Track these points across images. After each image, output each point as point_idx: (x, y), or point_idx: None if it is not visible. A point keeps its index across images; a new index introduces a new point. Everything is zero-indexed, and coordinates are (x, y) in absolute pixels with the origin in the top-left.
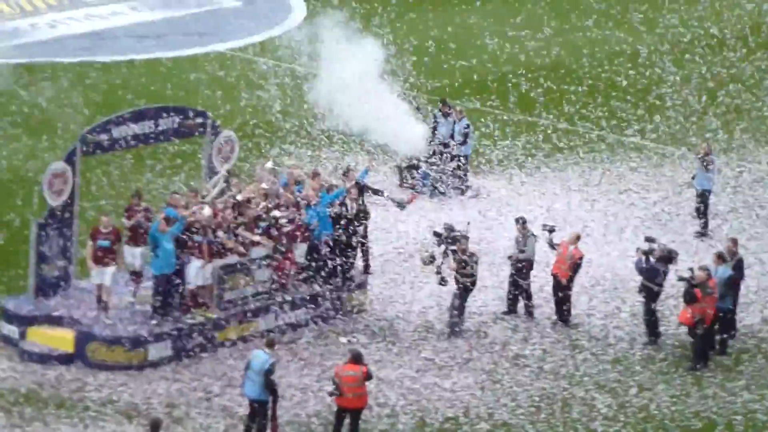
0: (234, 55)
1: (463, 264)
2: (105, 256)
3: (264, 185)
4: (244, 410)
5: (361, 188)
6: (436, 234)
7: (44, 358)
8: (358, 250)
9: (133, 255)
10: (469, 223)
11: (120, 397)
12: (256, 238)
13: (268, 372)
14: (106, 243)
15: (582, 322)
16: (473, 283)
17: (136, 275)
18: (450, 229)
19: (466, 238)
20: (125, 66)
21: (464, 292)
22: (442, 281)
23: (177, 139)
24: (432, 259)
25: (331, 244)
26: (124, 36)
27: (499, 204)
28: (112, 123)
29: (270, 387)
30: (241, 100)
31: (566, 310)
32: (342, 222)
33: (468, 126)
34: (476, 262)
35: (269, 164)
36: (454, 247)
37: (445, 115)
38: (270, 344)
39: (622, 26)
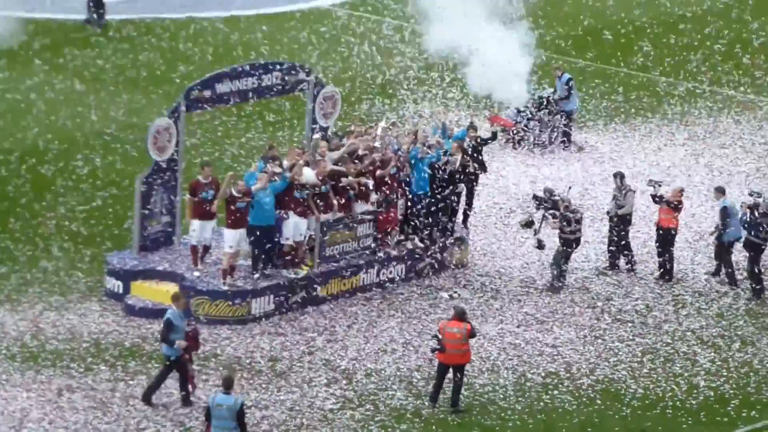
0: (337, 10)
1: (566, 222)
2: (208, 209)
3: (377, 143)
4: (346, 363)
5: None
6: (536, 198)
7: (148, 313)
8: (460, 205)
9: (204, 228)
10: (570, 187)
11: (223, 351)
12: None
13: (164, 324)
14: (207, 195)
15: (685, 277)
16: (577, 242)
17: (204, 249)
18: (550, 192)
19: (568, 202)
20: (229, 22)
21: (567, 250)
22: (540, 245)
23: (280, 95)
24: (530, 222)
25: (431, 199)
26: None
27: (602, 159)
28: (216, 79)
29: (163, 338)
30: (344, 56)
31: (669, 265)
32: (445, 177)
33: (569, 81)
34: (579, 221)
35: (383, 124)
36: (553, 211)
37: (558, 76)
38: (174, 299)
39: None
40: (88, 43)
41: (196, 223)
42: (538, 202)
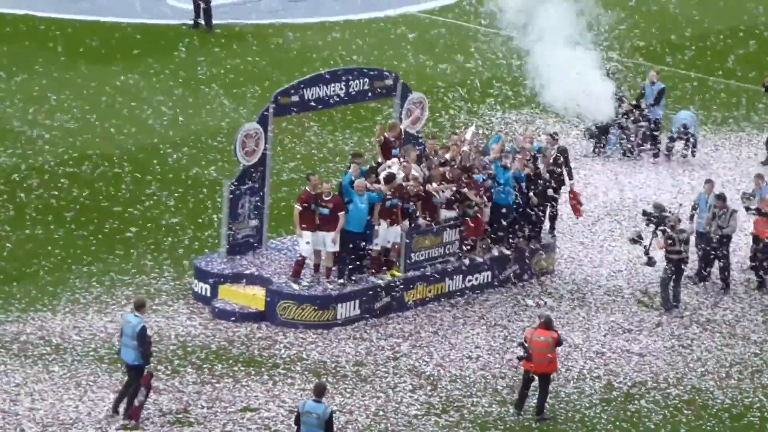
0: (426, 16)
1: (671, 241)
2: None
3: (465, 148)
4: (431, 369)
5: (564, 154)
6: (645, 213)
7: (235, 316)
8: (547, 212)
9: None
10: (681, 204)
11: (309, 355)
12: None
13: (140, 335)
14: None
15: None
16: (683, 262)
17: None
18: (660, 208)
19: (678, 219)
20: (319, 28)
21: (672, 270)
22: (650, 262)
23: (367, 101)
24: (639, 238)
25: (520, 206)
26: None
27: (691, 167)
28: (304, 84)
29: (144, 349)
30: (431, 62)
31: (761, 274)
32: (532, 185)
33: (662, 89)
34: (686, 241)
35: (472, 128)
36: (663, 227)
37: (652, 82)
38: (139, 307)
39: None
40: (179, 48)
41: (307, 235)
42: (647, 218)
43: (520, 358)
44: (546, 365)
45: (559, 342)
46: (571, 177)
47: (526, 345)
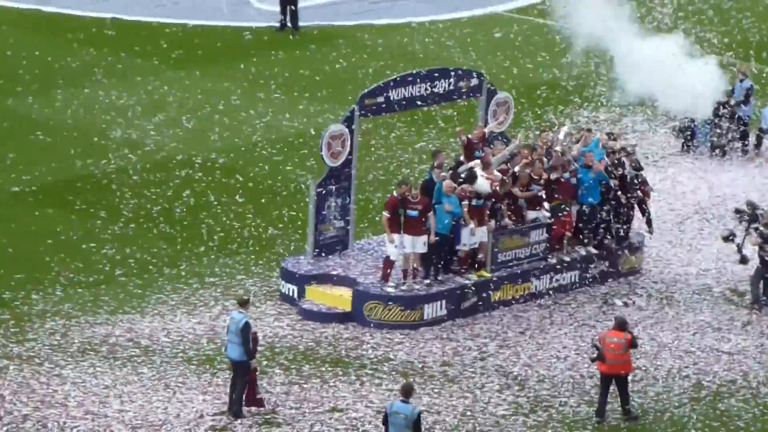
0: (511, 16)
1: (763, 239)
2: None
3: (557, 148)
4: (518, 369)
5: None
6: (738, 211)
7: (322, 317)
8: (635, 211)
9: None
10: None
11: (396, 355)
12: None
13: (243, 331)
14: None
15: None
16: None
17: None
18: (752, 206)
19: None
20: (403, 28)
21: (764, 269)
22: (743, 260)
23: (452, 101)
24: (732, 236)
25: (607, 206)
26: None
27: None
28: (389, 85)
29: (247, 345)
30: (518, 62)
31: None
32: (618, 184)
33: (750, 87)
34: None
35: (566, 128)
36: (756, 225)
37: (741, 80)
38: (243, 304)
39: None
40: (266, 51)
41: (396, 238)
42: (739, 216)
43: (593, 360)
44: (620, 366)
45: (633, 344)
46: (640, 168)
47: (600, 346)
